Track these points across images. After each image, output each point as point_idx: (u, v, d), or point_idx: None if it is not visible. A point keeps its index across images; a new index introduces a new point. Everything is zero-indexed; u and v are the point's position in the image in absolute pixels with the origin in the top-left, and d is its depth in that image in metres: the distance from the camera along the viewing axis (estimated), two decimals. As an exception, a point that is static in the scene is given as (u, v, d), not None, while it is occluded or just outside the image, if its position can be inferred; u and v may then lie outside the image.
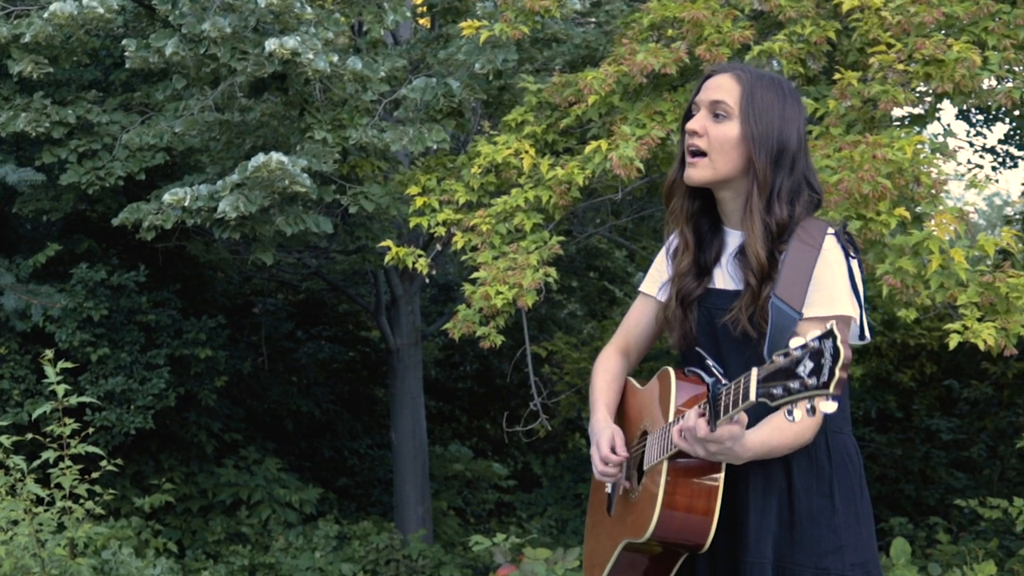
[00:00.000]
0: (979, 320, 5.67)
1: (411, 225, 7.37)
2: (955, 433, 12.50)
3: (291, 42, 7.02)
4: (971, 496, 10.43)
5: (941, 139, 7.69)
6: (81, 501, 6.33)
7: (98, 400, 8.78)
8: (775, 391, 2.24)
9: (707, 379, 2.52)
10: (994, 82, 6.39)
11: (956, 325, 5.66)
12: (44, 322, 8.96)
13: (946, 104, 6.77)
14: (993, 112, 11.62)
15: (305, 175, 7.32)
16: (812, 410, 2.19)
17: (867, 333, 2.79)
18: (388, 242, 7.28)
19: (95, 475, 6.37)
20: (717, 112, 2.78)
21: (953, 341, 5.63)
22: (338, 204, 8.30)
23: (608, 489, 3.02)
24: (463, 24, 7.40)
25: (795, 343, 2.22)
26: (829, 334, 2.16)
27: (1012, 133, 12.83)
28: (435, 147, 7.72)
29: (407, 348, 11.20)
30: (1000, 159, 13.15)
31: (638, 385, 3.04)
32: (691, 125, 2.81)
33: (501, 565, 7.35)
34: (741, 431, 2.52)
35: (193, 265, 11.08)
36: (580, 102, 6.91)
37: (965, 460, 12.46)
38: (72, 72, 8.78)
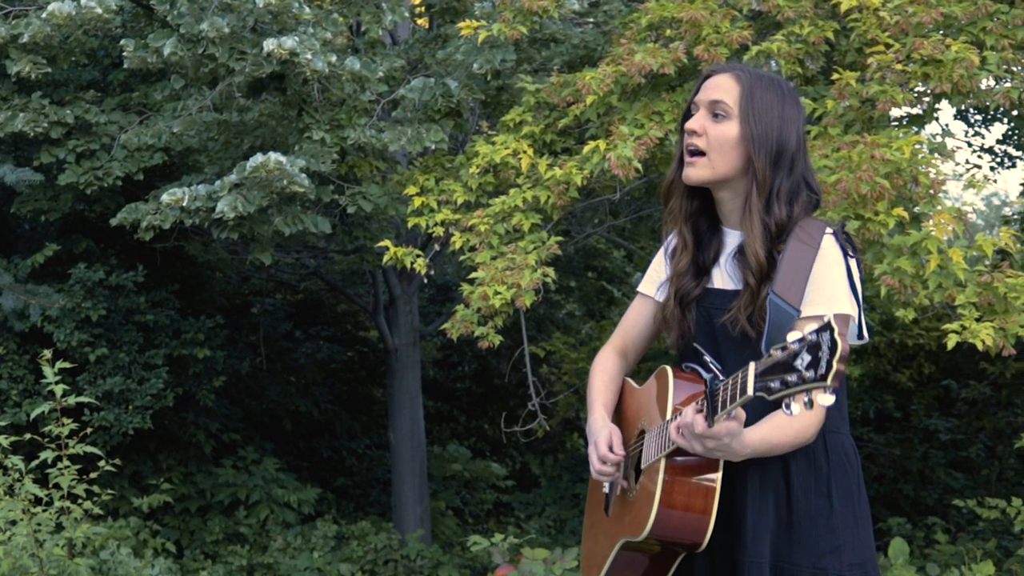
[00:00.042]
0: (977, 320, 5.67)
1: (409, 225, 7.37)
2: (953, 433, 12.50)
3: (289, 42, 7.02)
4: (969, 496, 10.44)
5: (939, 139, 7.69)
6: (79, 501, 6.33)
7: (96, 400, 8.78)
8: (772, 385, 2.24)
9: (705, 375, 2.53)
10: (992, 82, 6.39)
11: (954, 325, 5.66)
12: (42, 322, 8.96)
13: (944, 104, 6.77)
14: (991, 112, 11.62)
15: (303, 175, 7.31)
16: (810, 403, 2.18)
17: (865, 333, 2.79)
18: (386, 242, 7.28)
19: (93, 475, 6.37)
20: (716, 112, 2.79)
21: (951, 341, 5.63)
22: (336, 204, 8.30)
23: (606, 489, 3.02)
24: (461, 24, 7.40)
25: (792, 337, 2.22)
26: (826, 327, 2.16)
27: (1010, 133, 12.83)
28: (433, 147, 7.72)
29: (405, 348, 11.20)
30: (998, 159, 13.16)
31: (635, 385, 3.04)
32: (690, 124, 2.82)
33: (499, 565, 7.35)
34: (739, 427, 2.52)
35: (191, 265, 11.07)
36: (578, 102, 6.91)
37: (963, 460, 12.46)
38: (70, 72, 8.78)
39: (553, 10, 7.20)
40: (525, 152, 6.94)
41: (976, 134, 13.15)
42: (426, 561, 10.18)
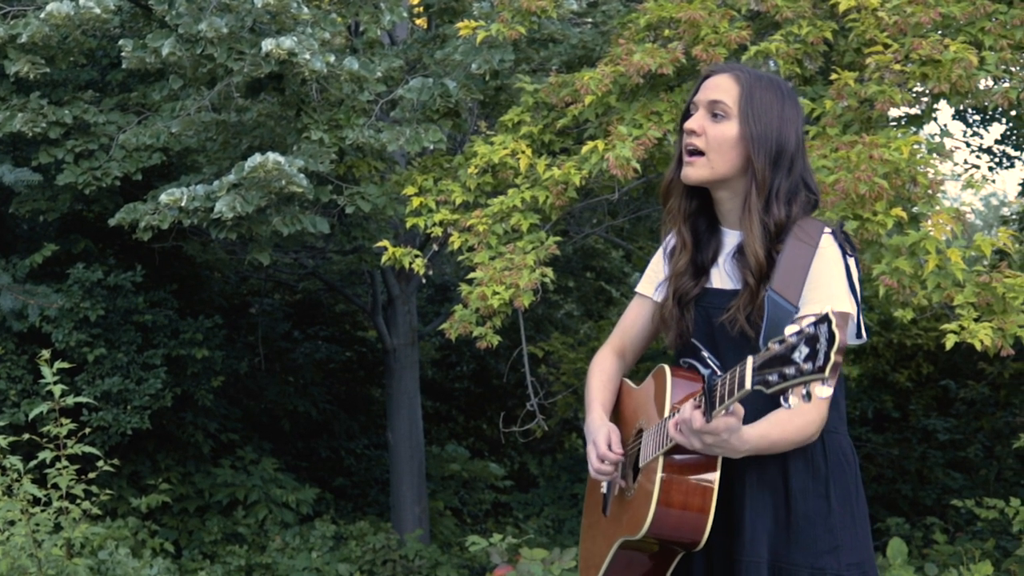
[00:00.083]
0: (976, 320, 5.67)
1: (408, 225, 7.37)
2: (952, 433, 12.50)
3: (288, 42, 7.02)
4: (968, 496, 10.44)
5: (938, 139, 7.70)
6: (78, 501, 6.33)
7: (95, 400, 8.78)
8: (770, 378, 2.23)
9: (703, 370, 2.52)
10: (991, 82, 6.39)
11: (953, 325, 5.66)
12: (41, 322, 8.96)
13: (943, 104, 6.78)
14: (990, 112, 11.62)
15: (302, 175, 7.31)
16: (807, 395, 2.17)
17: (863, 332, 2.79)
18: (385, 242, 7.28)
19: (92, 475, 6.37)
20: (715, 112, 2.79)
21: (950, 341, 5.63)
22: (335, 204, 8.30)
23: (603, 489, 3.02)
24: (460, 24, 7.40)
25: (790, 330, 2.22)
26: (824, 319, 2.15)
27: (1009, 133, 12.83)
28: (432, 147, 7.72)
29: (404, 348, 11.20)
30: (997, 159, 13.16)
31: (633, 385, 3.04)
32: (689, 124, 2.82)
33: (498, 565, 7.35)
34: (737, 423, 2.51)
35: (190, 265, 11.07)
36: (577, 102, 6.91)
37: (962, 460, 12.47)
38: (69, 72, 8.78)
39: (551, 10, 7.20)
40: (523, 152, 6.94)
41: (974, 134, 13.14)
42: (424, 561, 10.18)
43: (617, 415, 3.02)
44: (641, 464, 2.80)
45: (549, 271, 6.60)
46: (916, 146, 6.07)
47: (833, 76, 6.33)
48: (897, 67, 6.10)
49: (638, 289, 3.10)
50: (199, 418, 10.83)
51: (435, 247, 7.60)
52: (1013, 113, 8.45)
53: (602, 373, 3.07)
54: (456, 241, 6.95)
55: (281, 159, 7.13)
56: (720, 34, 6.61)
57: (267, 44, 7.03)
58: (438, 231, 7.11)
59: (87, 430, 7.32)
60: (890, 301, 5.90)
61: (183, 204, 7.50)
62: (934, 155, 6.24)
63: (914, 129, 6.83)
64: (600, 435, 2.89)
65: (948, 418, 12.67)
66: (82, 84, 8.95)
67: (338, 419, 13.81)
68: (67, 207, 8.95)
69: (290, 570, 9.83)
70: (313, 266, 12.21)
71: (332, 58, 7.38)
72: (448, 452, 14.15)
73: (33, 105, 8.02)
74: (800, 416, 2.63)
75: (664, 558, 2.79)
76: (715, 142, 2.78)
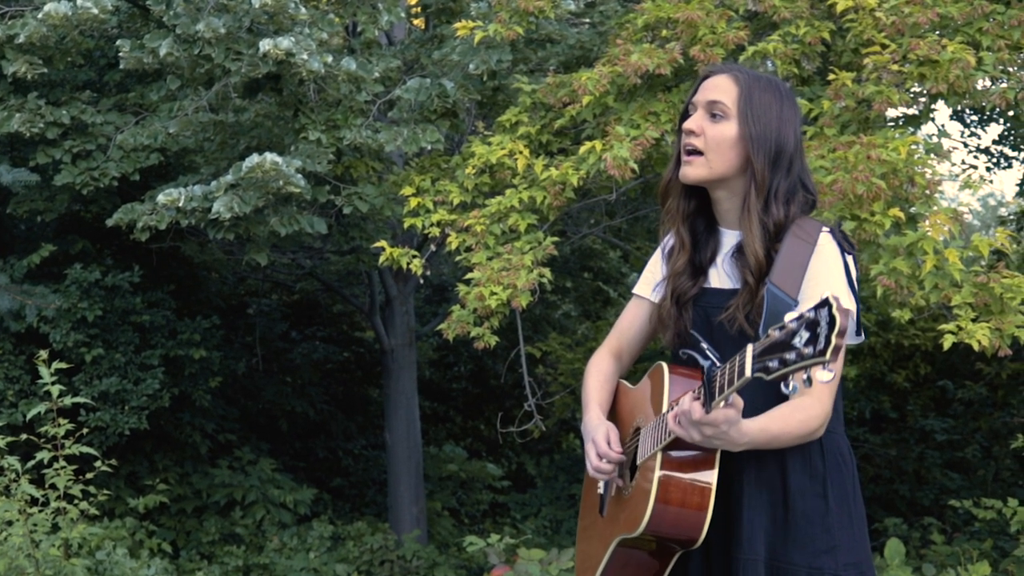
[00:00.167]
0: (973, 321, 5.67)
1: (405, 226, 7.37)
2: (949, 434, 12.51)
3: (285, 43, 7.02)
4: (965, 497, 10.45)
5: (935, 140, 7.68)
6: (75, 502, 6.33)
7: (92, 401, 8.78)
8: (771, 364, 2.22)
9: (702, 361, 2.51)
10: (988, 83, 6.39)
11: (950, 326, 5.66)
12: (38, 323, 8.95)
13: (940, 105, 6.78)
14: (987, 113, 11.63)
15: (299, 176, 7.31)
16: (808, 380, 2.17)
17: (861, 332, 2.79)
18: (382, 243, 7.27)
19: (89, 476, 6.37)
20: (714, 112, 2.80)
21: (947, 342, 5.63)
22: (332, 205, 8.30)
23: (600, 490, 3.02)
24: (457, 25, 7.41)
25: (790, 316, 2.21)
26: (825, 303, 2.14)
27: (1006, 134, 12.83)
28: (429, 148, 7.73)
29: (401, 348, 11.20)
30: (994, 160, 13.16)
31: (629, 385, 3.04)
32: (688, 124, 2.82)
33: (495, 566, 7.35)
34: (737, 415, 2.50)
35: (187, 266, 11.07)
36: (574, 103, 6.91)
37: (959, 461, 12.48)
38: (66, 73, 8.77)
39: (549, 10, 7.21)
40: (521, 152, 6.94)
41: (972, 135, 13.14)
42: (422, 562, 10.18)
43: (614, 415, 3.02)
44: (639, 461, 2.80)
45: (547, 271, 6.60)
46: (914, 146, 6.07)
47: (831, 76, 6.33)
48: (895, 67, 6.11)
49: (635, 290, 3.10)
50: (197, 418, 10.82)
51: (432, 247, 7.60)
52: (1011, 113, 8.45)
53: (599, 374, 3.07)
54: (454, 241, 6.94)
55: (279, 159, 7.13)
56: (718, 34, 6.61)
57: (265, 44, 7.03)
58: (436, 231, 7.10)
59: (85, 430, 7.32)
60: (888, 301, 5.90)
61: (180, 204, 7.50)
62: (932, 155, 6.24)
63: (912, 129, 6.83)
64: (599, 434, 2.89)
65: (946, 418, 12.68)
66: (80, 84, 8.94)
67: (336, 419, 13.81)
68: (65, 207, 8.95)
69: (288, 570, 9.83)
70: (311, 266, 12.21)
71: (330, 58, 7.38)
72: (446, 452, 14.16)
73: (31, 105, 8.02)
74: (802, 411, 2.63)
75: (662, 556, 2.79)
76: (714, 142, 2.78)
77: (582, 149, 6.63)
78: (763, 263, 2.73)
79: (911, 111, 7.09)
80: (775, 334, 2.23)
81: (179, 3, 7.34)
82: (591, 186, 7.40)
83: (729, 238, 2.87)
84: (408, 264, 7.13)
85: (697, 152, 2.80)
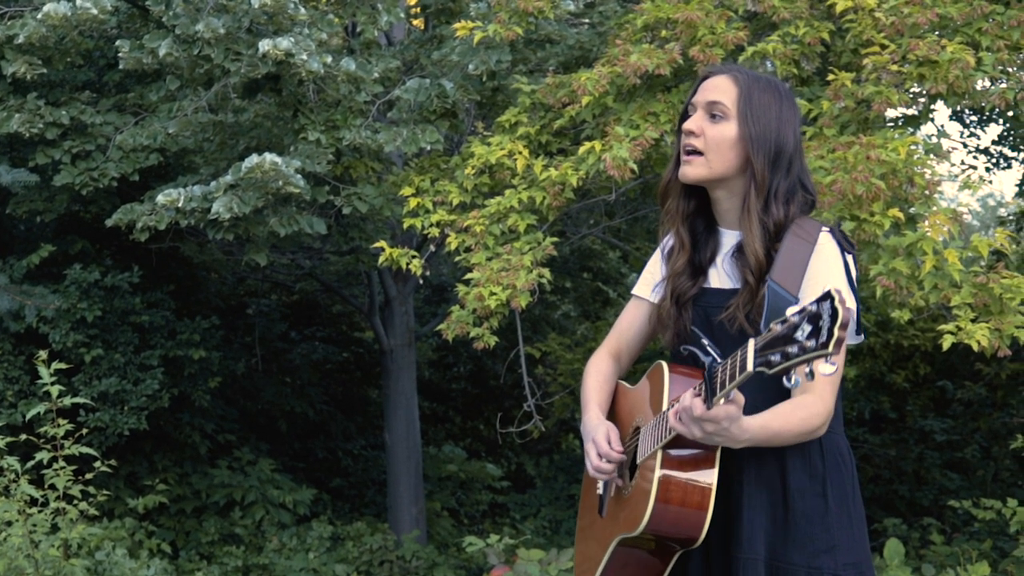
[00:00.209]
0: (973, 321, 5.67)
1: (405, 226, 7.37)
2: (949, 434, 12.51)
3: (285, 43, 7.02)
4: (965, 497, 10.45)
5: (935, 140, 7.69)
6: (75, 502, 6.33)
7: (92, 401, 8.77)
8: (773, 358, 2.22)
9: (703, 358, 2.51)
10: (988, 83, 6.39)
11: (950, 326, 5.67)
12: (38, 323, 8.95)
13: (940, 105, 6.78)
14: (987, 113, 11.63)
15: (299, 176, 7.31)
16: (811, 374, 2.16)
17: (861, 332, 2.79)
18: (382, 243, 7.27)
19: (89, 476, 6.36)
20: (714, 113, 2.80)
21: (947, 342, 5.63)
22: (332, 205, 8.30)
23: (599, 490, 3.02)
24: (457, 25, 7.41)
25: (792, 310, 2.21)
26: (827, 296, 2.13)
27: (1006, 134, 12.82)
28: (429, 148, 7.73)
29: (401, 349, 11.20)
30: (994, 160, 13.15)
31: (629, 385, 3.04)
32: (688, 125, 2.83)
33: (495, 566, 7.35)
34: (738, 412, 2.49)
35: (187, 266, 11.07)
36: (574, 103, 6.91)
37: (959, 461, 12.48)
38: (66, 73, 8.77)
39: (548, 11, 7.21)
40: (520, 153, 6.94)
41: (971, 135, 13.14)
42: (421, 562, 10.18)
43: (613, 415, 3.02)
44: (639, 460, 2.79)
45: (546, 272, 6.60)
46: (913, 147, 6.08)
47: (830, 77, 6.33)
48: (894, 68, 6.11)
49: (634, 291, 3.10)
50: (196, 419, 10.82)
51: (432, 248, 7.60)
52: (1010, 114, 8.45)
53: (598, 374, 3.08)
54: (453, 242, 6.95)
55: (278, 160, 7.13)
56: (717, 35, 6.61)
57: (264, 45, 7.03)
58: (435, 232, 7.11)
59: (84, 431, 7.31)
60: (887, 302, 5.91)
61: (180, 205, 7.50)
62: (931, 156, 6.24)
63: (911, 130, 6.83)
64: (599, 433, 2.89)
65: (945, 419, 12.68)
66: (79, 85, 8.94)
67: (335, 420, 13.81)
68: (64, 208, 8.95)
69: (287, 571, 9.83)
70: (310, 267, 12.21)
71: (329, 59, 7.38)
72: (445, 453, 14.15)
73: (30, 106, 8.02)
74: (804, 408, 2.63)
75: (662, 556, 2.79)
76: (713, 143, 2.79)
77: (581, 149, 6.63)
78: (763, 263, 2.73)
79: (910, 111, 7.09)
80: (777, 328, 2.23)
81: (178, 3, 7.34)
82: (590, 186, 7.41)
83: (729, 238, 2.87)
84: (407, 264, 7.13)
85: (697, 152, 2.81)
